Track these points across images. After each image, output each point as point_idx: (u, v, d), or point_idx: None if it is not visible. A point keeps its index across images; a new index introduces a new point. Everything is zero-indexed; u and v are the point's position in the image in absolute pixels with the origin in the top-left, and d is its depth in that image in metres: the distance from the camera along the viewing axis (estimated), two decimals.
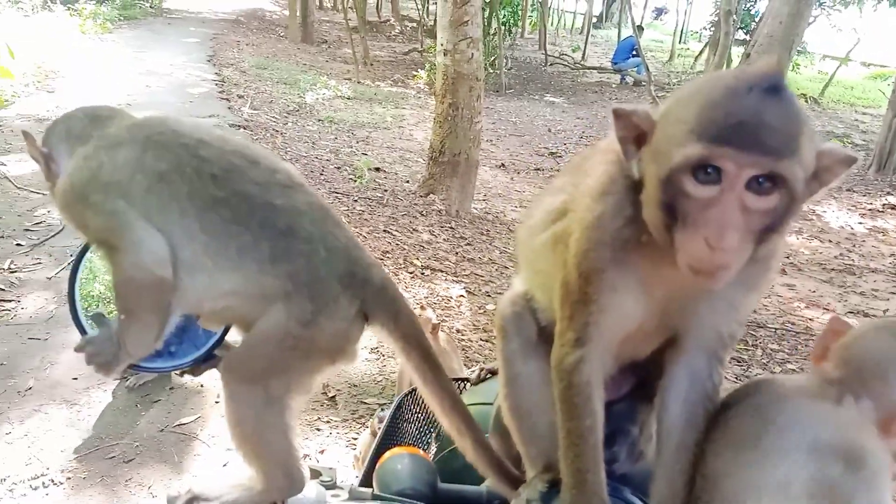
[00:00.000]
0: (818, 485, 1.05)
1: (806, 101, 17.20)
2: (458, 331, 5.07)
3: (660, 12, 42.47)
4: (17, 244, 5.30)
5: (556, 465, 1.32)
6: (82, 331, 1.33)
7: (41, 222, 5.73)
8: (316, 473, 1.44)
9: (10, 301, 4.52)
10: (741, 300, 1.19)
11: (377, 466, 1.54)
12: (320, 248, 1.25)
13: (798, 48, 18.63)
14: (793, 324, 6.03)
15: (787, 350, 5.52)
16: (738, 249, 0.99)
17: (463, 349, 4.67)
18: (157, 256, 1.19)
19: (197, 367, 1.44)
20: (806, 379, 1.19)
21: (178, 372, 1.48)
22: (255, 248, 1.22)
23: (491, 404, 1.68)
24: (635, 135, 1.08)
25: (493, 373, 2.13)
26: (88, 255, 1.38)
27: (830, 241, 8.55)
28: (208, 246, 1.21)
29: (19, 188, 6.42)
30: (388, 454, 1.54)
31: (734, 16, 15.82)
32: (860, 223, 9.35)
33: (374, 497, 1.40)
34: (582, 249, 1.16)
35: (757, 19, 20.18)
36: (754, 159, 0.95)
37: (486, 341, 4.99)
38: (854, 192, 10.67)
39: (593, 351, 1.21)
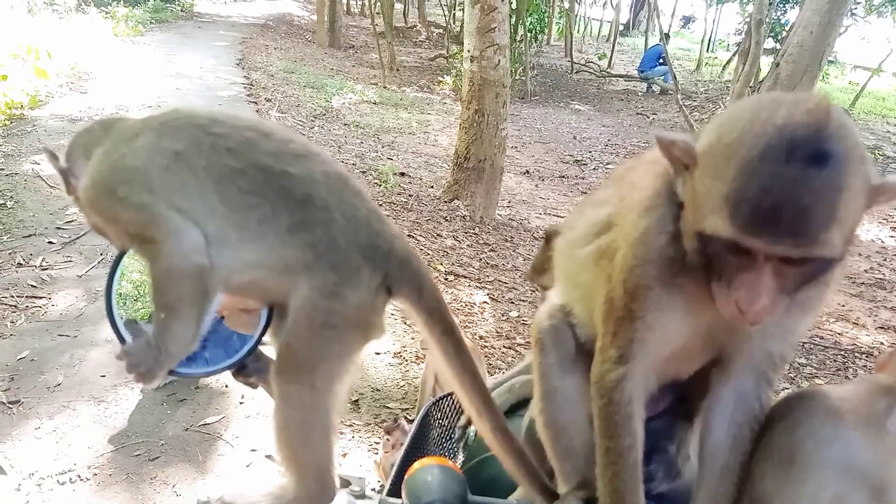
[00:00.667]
0: None
1: None
2: (480, 337, 5.07)
3: (687, 21, 42.19)
4: (49, 242, 5.40)
5: (592, 483, 1.30)
6: (122, 339, 1.34)
7: (73, 221, 5.82)
8: (346, 482, 1.44)
9: (41, 298, 4.60)
10: (795, 323, 1.16)
11: (406, 477, 1.53)
12: (337, 215, 1.24)
13: (829, 58, 18.40)
14: (821, 338, 5.93)
15: (814, 364, 5.44)
16: (770, 308, 0.97)
17: (486, 356, 4.66)
18: (194, 244, 1.19)
19: (240, 374, 1.45)
20: (854, 390, 1.16)
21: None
22: (274, 219, 1.22)
23: (520, 415, 1.67)
24: (683, 164, 1.05)
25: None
26: (124, 261, 1.39)
27: (860, 255, 8.40)
28: (229, 219, 1.22)
29: (52, 187, 6.53)
30: (417, 464, 1.53)
31: (765, 24, 15.66)
32: (891, 236, 9.20)
33: None
34: (628, 266, 1.13)
35: (787, 28, 19.96)
36: (787, 248, 0.92)
37: (510, 348, 4.97)
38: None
39: (636, 369, 1.17)
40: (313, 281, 1.23)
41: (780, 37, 20.51)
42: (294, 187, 1.23)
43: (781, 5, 21.58)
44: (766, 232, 0.91)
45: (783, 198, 0.89)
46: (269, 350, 1.42)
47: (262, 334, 1.41)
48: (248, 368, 1.44)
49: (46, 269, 4.99)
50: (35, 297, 4.60)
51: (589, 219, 1.31)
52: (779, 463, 1.12)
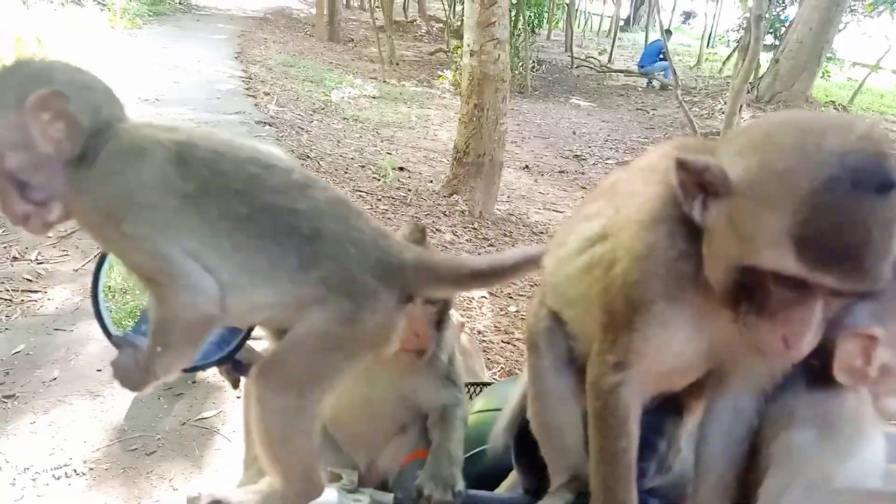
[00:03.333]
0: None
1: (835, 109, 16.96)
2: (479, 332, 5.05)
3: (688, 16, 42.19)
4: (46, 235, 5.36)
5: (584, 477, 1.30)
6: (108, 334, 1.32)
7: None
8: (337, 477, 1.43)
9: (36, 292, 4.58)
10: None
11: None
12: (348, 246, 1.22)
13: (828, 55, 18.40)
14: None
15: None
16: (812, 340, 0.95)
17: (484, 350, 4.65)
18: (209, 295, 1.15)
19: (225, 370, 1.43)
20: None
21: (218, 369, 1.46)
22: (284, 259, 1.19)
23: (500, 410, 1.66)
24: (699, 182, 0.99)
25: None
26: (109, 258, 1.37)
27: None
28: (241, 265, 1.18)
29: None
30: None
31: (764, 20, 15.66)
32: None
33: (396, 502, 1.39)
34: (631, 280, 1.08)
35: (787, 24, 19.93)
36: (853, 286, 0.90)
37: (508, 343, 4.96)
38: None
39: (634, 375, 1.14)
40: (329, 311, 1.20)
41: (779, 33, 20.51)
42: (301, 223, 1.20)
43: (781, 1, 21.57)
44: (837, 269, 0.88)
45: (856, 233, 0.86)
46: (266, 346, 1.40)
47: (251, 330, 1.39)
48: (245, 366, 1.41)
49: (42, 262, 4.96)
50: (30, 291, 4.58)
51: (581, 233, 1.26)
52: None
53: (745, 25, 19.16)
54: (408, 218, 7.04)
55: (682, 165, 0.98)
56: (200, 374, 3.89)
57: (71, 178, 1.18)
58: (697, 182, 0.98)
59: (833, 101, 17.67)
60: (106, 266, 1.37)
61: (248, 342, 1.41)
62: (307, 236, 1.20)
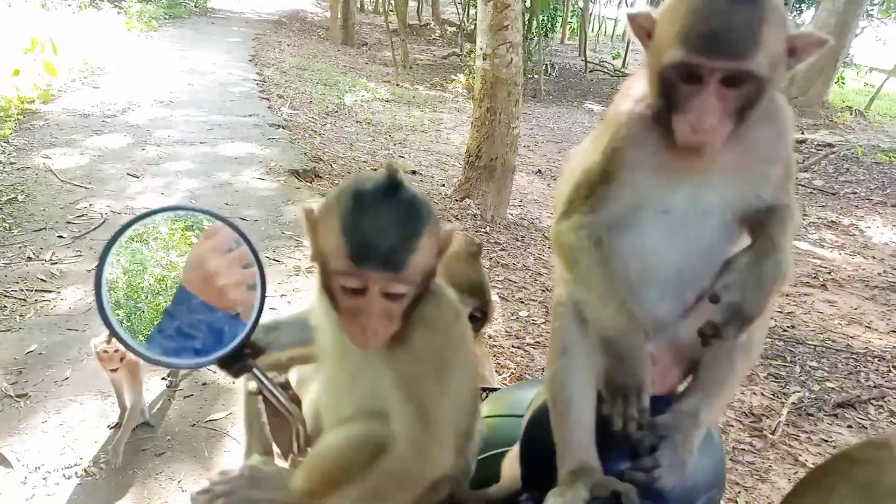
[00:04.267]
0: None
1: (852, 115, 16.80)
2: (490, 336, 5.03)
3: None
4: (59, 236, 5.41)
5: (593, 469, 1.35)
6: (108, 325, 1.33)
7: (83, 215, 5.84)
8: None
9: (50, 292, 4.61)
10: (766, 169, 1.37)
11: None
12: None
13: (844, 60, 18.26)
14: (833, 341, 5.86)
15: (826, 368, 5.36)
16: (717, 128, 1.23)
17: (494, 355, 4.63)
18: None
19: (229, 368, 1.42)
20: None
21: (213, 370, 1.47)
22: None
23: (520, 416, 1.65)
24: (646, 32, 1.32)
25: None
26: (114, 248, 1.37)
27: (874, 258, 8.30)
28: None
29: (63, 181, 6.55)
30: None
31: None
32: None
33: None
34: (605, 137, 1.39)
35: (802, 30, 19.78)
36: (722, 63, 1.19)
37: (518, 348, 4.94)
38: None
39: (603, 221, 1.38)
40: None
41: None
42: None
43: (797, 6, 21.41)
44: (705, 49, 1.19)
45: (718, 23, 1.18)
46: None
47: (255, 325, 1.38)
48: (241, 359, 1.41)
49: (56, 263, 5.00)
50: (44, 291, 4.61)
51: (577, 158, 1.55)
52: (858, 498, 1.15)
53: None
54: None
55: (630, 18, 1.34)
56: (211, 376, 3.90)
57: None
58: (642, 30, 1.33)
59: (850, 107, 17.50)
60: (110, 258, 1.37)
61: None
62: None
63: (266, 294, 1.40)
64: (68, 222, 5.69)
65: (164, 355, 1.38)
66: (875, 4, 20.41)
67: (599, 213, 1.38)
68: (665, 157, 1.33)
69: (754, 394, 4.83)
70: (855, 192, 11.22)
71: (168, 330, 1.39)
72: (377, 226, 1.11)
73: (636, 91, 1.39)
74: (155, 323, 1.38)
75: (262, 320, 1.43)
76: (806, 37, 1.26)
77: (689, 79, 1.22)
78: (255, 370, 1.43)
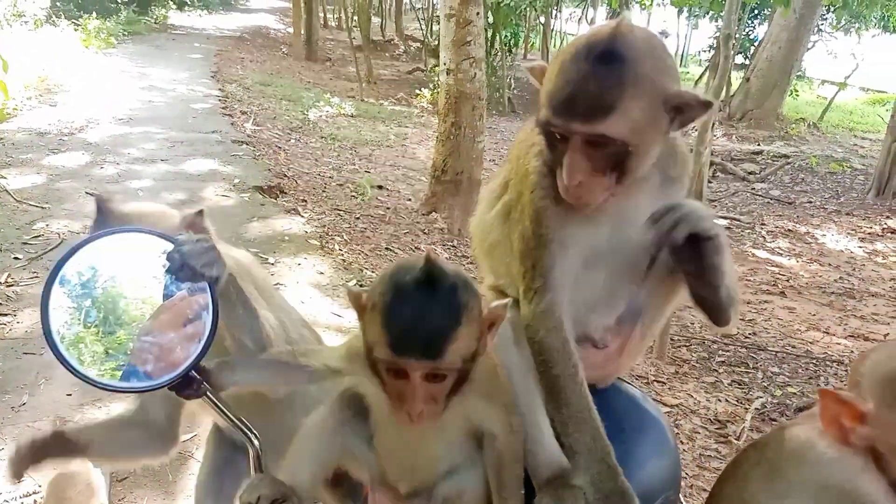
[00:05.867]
0: None
1: (805, 126, 17.26)
2: None
3: (662, 36, 42.78)
4: (15, 258, 5.27)
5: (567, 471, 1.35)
6: (54, 349, 1.33)
7: (39, 236, 5.70)
8: None
9: (6, 315, 4.48)
10: (675, 194, 1.40)
11: None
12: None
13: (797, 73, 18.79)
14: (793, 347, 5.99)
15: (787, 373, 5.49)
16: (588, 184, 1.27)
17: None
18: None
19: (180, 392, 1.38)
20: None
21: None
22: None
23: None
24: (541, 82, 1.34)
25: None
26: (62, 270, 1.35)
27: (830, 265, 8.53)
28: None
29: (18, 201, 6.40)
30: None
31: (733, 40, 15.96)
32: (860, 247, 9.35)
33: None
34: (528, 195, 1.40)
35: (756, 44, 20.34)
36: (578, 126, 1.22)
37: None
38: (853, 215, 10.68)
39: (560, 294, 1.39)
40: None
41: (749, 52, 20.92)
42: None
43: (750, 21, 22.01)
44: (563, 111, 1.23)
45: (576, 87, 1.21)
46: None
47: (206, 348, 1.36)
48: (193, 383, 1.38)
49: (12, 285, 4.87)
50: (0, 315, 4.48)
51: (489, 188, 1.63)
52: (766, 476, 1.24)
53: (715, 45, 19.53)
54: (387, 236, 7.03)
55: (529, 69, 1.40)
56: None
57: None
58: (538, 79, 1.37)
59: (804, 118, 18.00)
60: (58, 278, 1.35)
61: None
62: None
63: (219, 317, 1.38)
64: (24, 243, 5.55)
65: (114, 380, 1.35)
66: (825, 20, 21.08)
67: (553, 285, 1.38)
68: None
69: (719, 401, 4.91)
70: (810, 202, 11.52)
71: (118, 355, 1.38)
72: (414, 317, 1.17)
73: (538, 159, 1.42)
74: (105, 348, 1.36)
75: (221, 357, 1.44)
76: (689, 97, 1.26)
77: (561, 138, 1.27)
78: (209, 394, 1.40)
